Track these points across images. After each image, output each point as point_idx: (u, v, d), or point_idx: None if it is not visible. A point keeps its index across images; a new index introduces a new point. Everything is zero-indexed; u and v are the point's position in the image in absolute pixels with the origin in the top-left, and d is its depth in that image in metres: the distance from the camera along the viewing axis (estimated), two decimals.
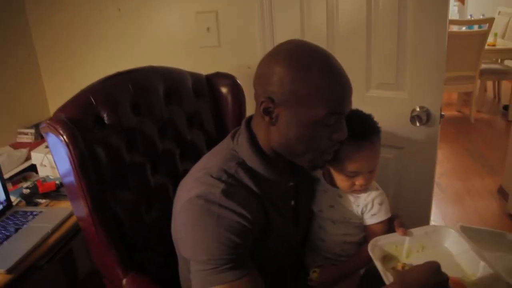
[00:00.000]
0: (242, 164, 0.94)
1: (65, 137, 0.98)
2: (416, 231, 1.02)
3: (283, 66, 0.86)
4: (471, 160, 3.63)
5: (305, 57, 0.87)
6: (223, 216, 0.85)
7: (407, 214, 1.60)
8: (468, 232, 0.98)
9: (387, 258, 0.98)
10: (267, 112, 0.89)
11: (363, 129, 1.01)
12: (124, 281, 1.05)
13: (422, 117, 1.41)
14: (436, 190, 3.08)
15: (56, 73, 1.99)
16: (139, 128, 1.15)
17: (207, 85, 1.38)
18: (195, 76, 1.36)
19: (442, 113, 1.43)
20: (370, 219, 1.08)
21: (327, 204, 1.11)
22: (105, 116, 1.09)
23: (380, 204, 1.07)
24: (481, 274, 0.89)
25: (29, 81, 1.99)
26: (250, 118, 1.00)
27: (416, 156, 1.52)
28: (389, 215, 1.08)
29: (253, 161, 0.94)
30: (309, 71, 0.85)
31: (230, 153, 0.96)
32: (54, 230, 1.29)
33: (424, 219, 1.62)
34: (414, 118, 1.42)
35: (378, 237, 1.00)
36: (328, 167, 1.07)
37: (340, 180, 1.06)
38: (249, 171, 0.93)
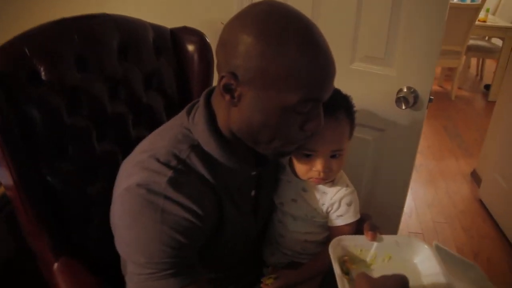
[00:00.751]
0: (196, 147, 0.79)
1: None
2: (387, 238, 0.90)
3: (251, 35, 0.69)
4: (448, 139, 3.58)
5: (280, 26, 0.69)
6: (168, 211, 0.71)
7: (382, 199, 1.53)
8: (441, 253, 0.86)
9: (348, 261, 0.87)
10: (228, 89, 0.73)
11: (329, 102, 0.83)
12: (55, 265, 0.92)
13: (409, 99, 1.27)
14: None
15: (8, 13, 1.74)
16: (84, 87, 0.98)
17: (172, 40, 1.21)
18: (158, 29, 1.18)
19: (431, 97, 1.30)
20: (336, 220, 0.95)
21: (289, 197, 0.98)
22: (42, 70, 0.91)
23: (349, 204, 0.94)
24: None
25: None
26: (212, 91, 0.84)
27: (397, 140, 1.40)
28: (357, 217, 0.95)
29: (209, 145, 0.79)
30: (283, 45, 0.68)
31: (182, 133, 0.81)
32: None
33: (398, 205, 1.53)
34: (400, 99, 1.28)
35: (342, 236, 0.89)
36: None
37: (296, 162, 0.91)
38: (204, 156, 0.79)
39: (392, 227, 1.54)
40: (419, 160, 3.18)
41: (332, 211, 0.95)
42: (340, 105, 0.88)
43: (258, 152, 0.84)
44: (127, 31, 1.09)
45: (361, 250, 0.89)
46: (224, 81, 0.73)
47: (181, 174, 0.74)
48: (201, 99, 0.83)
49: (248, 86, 0.71)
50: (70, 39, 0.97)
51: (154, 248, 0.71)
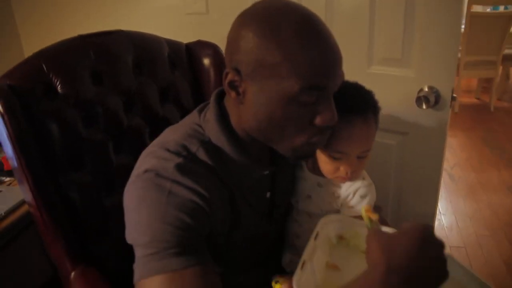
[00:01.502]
0: (206, 143, 0.79)
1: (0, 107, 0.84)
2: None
3: (249, 29, 0.70)
4: (488, 151, 3.41)
5: (276, 16, 0.70)
6: (174, 193, 0.71)
7: (411, 208, 1.46)
8: (452, 266, 0.72)
9: (341, 242, 0.85)
10: (232, 86, 0.74)
11: (358, 102, 0.84)
12: (72, 274, 0.93)
13: (430, 99, 1.23)
14: (448, 181, 2.91)
15: (35, 33, 1.85)
16: (100, 100, 1.01)
17: (187, 55, 1.23)
18: (173, 45, 1.21)
19: (454, 95, 1.24)
20: (347, 212, 0.91)
21: (304, 194, 0.95)
22: (58, 85, 0.94)
23: (362, 196, 0.90)
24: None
25: (5, 41, 1.84)
26: (223, 91, 0.84)
27: (422, 143, 1.34)
28: None
29: (220, 140, 0.79)
30: (278, 33, 0.68)
31: (194, 129, 0.81)
32: (8, 213, 1.16)
33: (429, 213, 1.46)
34: (420, 99, 1.24)
35: (341, 216, 0.87)
36: None
37: (323, 162, 0.89)
38: (214, 151, 0.78)
39: None
40: (457, 172, 3.05)
41: (345, 203, 0.91)
42: (367, 105, 0.87)
43: (276, 153, 0.82)
44: (142, 46, 1.12)
45: (356, 234, 0.85)
46: (228, 78, 0.73)
47: (189, 162, 0.75)
48: (212, 99, 0.84)
49: (250, 80, 0.72)
50: (86, 55, 1.00)
51: (157, 226, 0.69)
